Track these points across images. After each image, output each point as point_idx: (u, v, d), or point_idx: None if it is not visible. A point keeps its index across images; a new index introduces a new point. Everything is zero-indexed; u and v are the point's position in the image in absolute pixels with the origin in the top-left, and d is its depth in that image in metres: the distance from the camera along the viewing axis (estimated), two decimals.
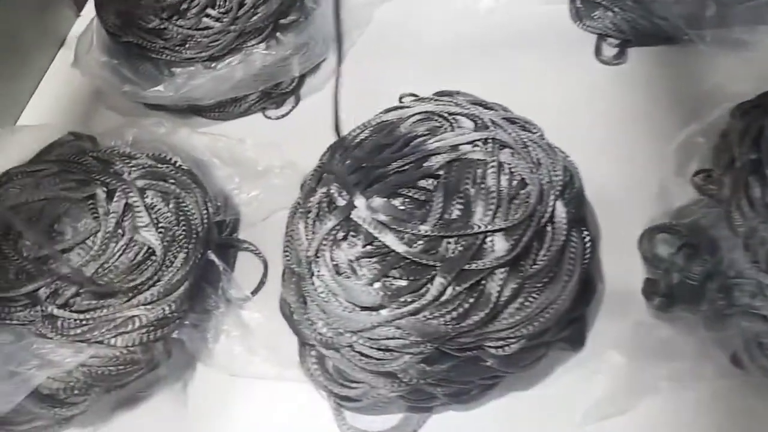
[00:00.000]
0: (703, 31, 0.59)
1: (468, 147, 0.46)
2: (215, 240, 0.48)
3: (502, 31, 0.65)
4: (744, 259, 0.41)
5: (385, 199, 0.44)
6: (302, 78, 0.61)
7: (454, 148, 0.46)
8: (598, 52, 0.62)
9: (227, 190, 0.52)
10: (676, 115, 0.57)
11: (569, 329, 0.45)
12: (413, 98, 0.58)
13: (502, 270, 0.41)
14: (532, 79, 0.61)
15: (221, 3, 0.57)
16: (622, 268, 0.49)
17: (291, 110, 0.60)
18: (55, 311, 0.43)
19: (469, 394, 0.44)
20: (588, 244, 0.45)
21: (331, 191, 0.44)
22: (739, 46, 0.59)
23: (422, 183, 0.45)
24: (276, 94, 0.60)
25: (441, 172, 0.45)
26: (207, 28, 0.56)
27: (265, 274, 0.50)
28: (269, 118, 0.60)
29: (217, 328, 0.45)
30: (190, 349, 0.44)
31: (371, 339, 0.40)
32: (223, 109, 0.60)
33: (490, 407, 0.44)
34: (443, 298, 0.40)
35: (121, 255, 0.44)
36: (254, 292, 0.48)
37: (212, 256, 0.47)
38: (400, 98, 0.58)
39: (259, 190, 0.52)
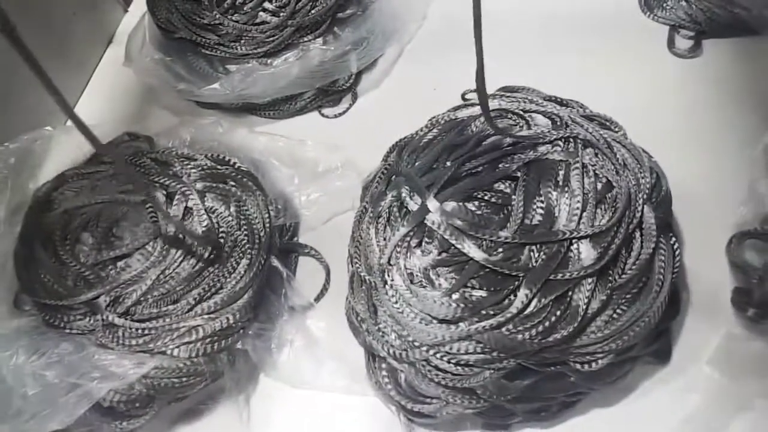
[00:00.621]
0: None
1: (548, 147, 0.43)
2: (277, 245, 0.46)
3: (567, 22, 0.62)
4: None
5: (460, 203, 0.41)
6: (359, 75, 0.59)
7: (533, 147, 0.43)
8: (671, 44, 0.59)
9: (287, 193, 0.50)
10: (759, 113, 0.53)
11: (656, 343, 0.42)
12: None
13: (590, 280, 0.38)
14: (602, 74, 0.57)
15: None
16: (707, 276, 0.46)
17: (348, 108, 0.58)
18: (116, 320, 0.41)
19: (550, 411, 0.41)
20: (677, 252, 0.42)
21: (402, 194, 0.41)
22: None
23: (499, 186, 0.42)
24: (332, 91, 0.58)
25: (519, 174, 0.42)
26: (263, 23, 0.54)
27: (327, 280, 0.47)
28: (326, 116, 0.58)
29: (280, 338, 0.43)
30: (254, 359, 0.42)
31: (449, 353, 0.37)
32: (278, 107, 0.58)
33: (571, 425, 0.41)
34: (528, 311, 0.37)
35: (182, 261, 0.42)
36: (317, 299, 0.46)
37: (275, 262, 0.45)
38: (463, 95, 0.56)
39: (320, 193, 0.50)
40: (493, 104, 0.47)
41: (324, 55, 0.55)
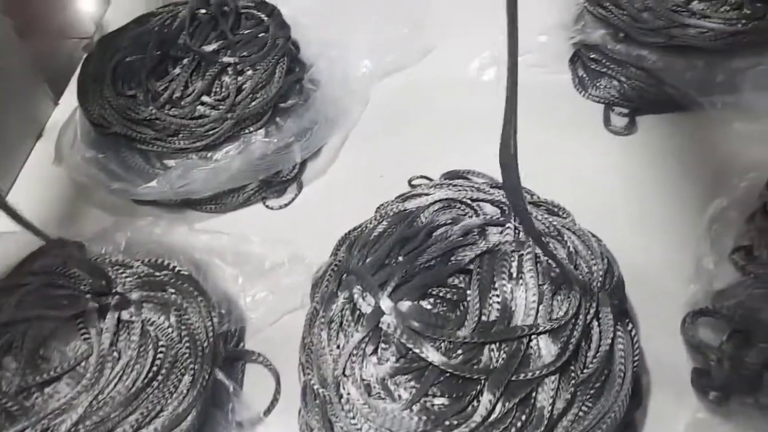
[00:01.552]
0: (713, 97, 0.58)
1: (499, 237, 0.43)
2: (221, 354, 0.43)
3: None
4: None
5: (416, 302, 0.40)
6: (304, 163, 0.58)
7: (484, 238, 0.43)
8: (607, 122, 0.61)
9: (231, 294, 0.47)
10: (698, 187, 0.54)
11: None
12: (425, 181, 0.55)
13: (553, 378, 0.37)
14: (541, 154, 0.58)
15: (217, 90, 0.53)
16: (667, 359, 0.45)
17: (294, 199, 0.56)
18: None
19: None
20: (636, 339, 0.41)
21: (355, 296, 0.40)
22: (751, 111, 0.58)
23: (453, 280, 0.41)
24: (277, 182, 0.56)
25: (472, 267, 0.41)
26: (202, 116, 0.53)
27: (278, 390, 0.44)
28: (271, 208, 0.56)
29: None
30: None
31: None
32: (221, 200, 0.55)
33: None
34: (492, 418, 0.36)
35: (117, 383, 0.39)
36: (267, 412, 0.43)
37: (220, 375, 0.42)
38: (410, 181, 0.56)
39: (267, 292, 0.48)
40: (439, 193, 0.47)
41: (266, 146, 0.54)
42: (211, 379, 0.41)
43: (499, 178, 0.52)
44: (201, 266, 0.48)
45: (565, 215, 0.45)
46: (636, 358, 0.40)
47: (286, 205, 0.56)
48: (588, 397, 0.37)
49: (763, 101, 0.57)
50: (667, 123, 0.60)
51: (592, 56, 0.62)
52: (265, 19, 0.58)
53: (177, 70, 0.54)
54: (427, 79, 0.64)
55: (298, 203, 0.56)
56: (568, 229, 0.44)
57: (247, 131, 0.54)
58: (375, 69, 0.63)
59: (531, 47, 0.65)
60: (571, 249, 0.42)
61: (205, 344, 0.42)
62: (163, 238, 0.49)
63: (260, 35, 0.56)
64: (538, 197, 0.47)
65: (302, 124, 0.55)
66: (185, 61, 0.54)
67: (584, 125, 0.61)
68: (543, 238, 0.42)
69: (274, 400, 0.44)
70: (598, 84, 0.62)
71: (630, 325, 0.42)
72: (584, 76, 0.63)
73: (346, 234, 0.46)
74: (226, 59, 0.53)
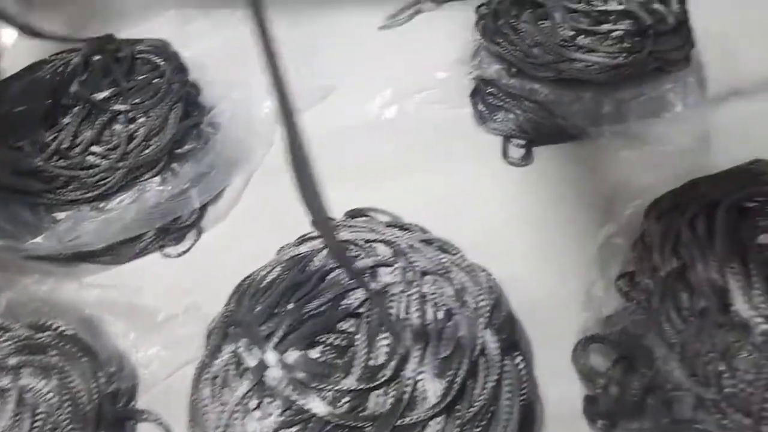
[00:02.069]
0: (601, 127, 0.61)
1: (389, 277, 0.43)
2: (109, 416, 0.42)
3: (408, 139, 0.64)
4: (681, 372, 0.39)
5: (303, 352, 0.39)
6: (204, 208, 0.57)
7: (375, 280, 0.43)
8: (505, 154, 0.62)
9: (122, 351, 0.46)
10: (590, 214, 0.56)
11: None
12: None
13: (438, 419, 0.37)
14: (443, 189, 0.59)
15: (108, 138, 0.52)
16: (561, 388, 0.46)
17: (192, 245, 0.55)
18: None
19: None
20: (524, 372, 0.42)
21: (239, 349, 0.39)
22: (637, 139, 0.60)
23: (343, 325, 0.41)
24: (175, 229, 0.55)
25: (362, 310, 0.41)
26: (93, 166, 0.51)
27: None
28: (169, 256, 0.55)
29: None
30: None
31: None
32: (116, 251, 0.54)
33: None
34: None
35: None
36: None
37: None
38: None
39: (160, 346, 0.46)
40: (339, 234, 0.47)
41: (162, 194, 0.53)
42: None
43: (402, 215, 0.54)
44: (91, 323, 0.46)
45: (454, 252, 0.46)
46: (524, 391, 0.41)
47: (184, 252, 0.55)
48: None
49: (647, 129, 0.61)
50: (561, 153, 0.62)
51: (489, 91, 0.64)
52: (161, 63, 0.57)
53: (67, 120, 0.53)
54: (330, 119, 0.65)
55: (197, 250, 0.55)
56: (456, 265, 0.44)
57: (141, 179, 0.53)
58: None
59: (431, 84, 0.66)
60: (458, 286, 0.42)
61: (89, 407, 0.40)
62: (51, 295, 0.47)
63: (155, 81, 0.55)
64: (431, 235, 0.48)
65: (200, 169, 0.54)
66: (75, 109, 0.53)
67: (484, 158, 0.62)
68: (431, 276, 0.43)
69: None
70: (496, 117, 0.64)
71: (519, 359, 0.42)
72: (483, 110, 0.65)
73: (241, 282, 0.46)
74: (117, 107, 0.52)
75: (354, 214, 0.55)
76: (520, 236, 0.56)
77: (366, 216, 0.55)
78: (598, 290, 0.48)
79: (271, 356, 0.38)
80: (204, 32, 0.72)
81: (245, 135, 0.60)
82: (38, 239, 0.49)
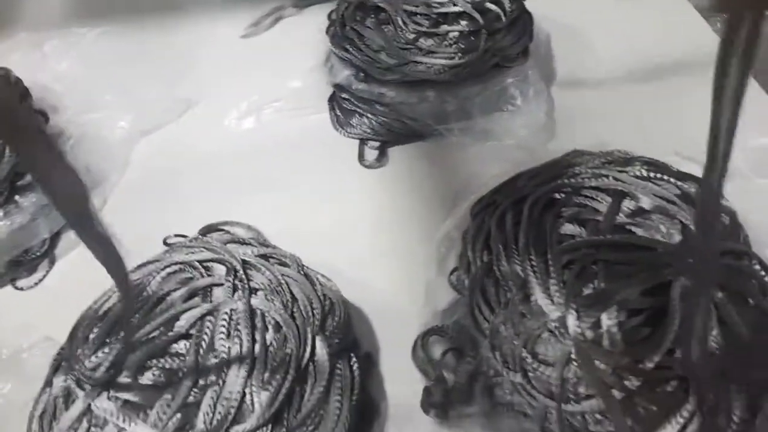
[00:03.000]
0: (449, 125, 0.63)
1: (221, 297, 0.44)
2: None
3: (267, 148, 0.65)
4: (495, 359, 0.42)
5: (132, 378, 0.40)
6: (55, 237, 0.56)
7: (206, 299, 0.44)
8: (360, 157, 0.64)
9: None
10: (438, 210, 0.59)
11: None
12: (180, 238, 0.56)
13: (265, 429, 0.39)
14: (302, 196, 0.61)
15: None
16: (404, 380, 0.48)
17: (45, 275, 0.55)
18: None
19: None
20: (357, 372, 0.44)
21: (67, 381, 0.40)
22: (483, 133, 0.64)
23: (176, 348, 0.42)
24: (27, 260, 0.55)
25: (194, 332, 0.42)
26: None
27: None
28: (20, 289, 0.54)
29: None
30: None
31: None
32: None
33: None
34: None
35: None
36: None
37: None
38: (165, 241, 0.56)
39: (7, 382, 0.46)
40: (174, 257, 0.48)
41: (6, 228, 0.52)
42: None
43: (258, 225, 0.55)
44: None
45: (290, 263, 0.48)
46: (356, 392, 0.43)
47: (37, 283, 0.55)
48: None
49: (492, 124, 0.64)
50: (413, 152, 0.64)
51: (343, 96, 0.66)
52: None
53: None
54: (188, 135, 0.65)
55: (50, 280, 0.55)
56: (289, 277, 0.46)
57: None
58: (132, 130, 0.63)
59: (289, 91, 0.67)
60: (287, 299, 0.44)
61: None
62: None
63: None
64: (270, 249, 0.49)
65: (44, 200, 0.54)
66: None
67: (342, 162, 0.64)
68: (261, 292, 0.44)
69: None
70: (351, 121, 0.66)
71: (353, 360, 0.45)
72: (339, 114, 0.67)
73: (81, 316, 0.46)
74: None
75: (207, 230, 0.56)
76: (374, 237, 0.58)
77: (221, 230, 0.56)
78: (435, 285, 0.51)
79: (95, 388, 0.39)
80: (57, 54, 0.70)
81: (96, 159, 0.60)
82: None
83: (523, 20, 0.65)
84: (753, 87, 0.68)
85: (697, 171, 0.55)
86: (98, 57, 0.70)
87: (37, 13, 0.81)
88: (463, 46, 0.60)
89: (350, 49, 0.63)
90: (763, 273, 0.42)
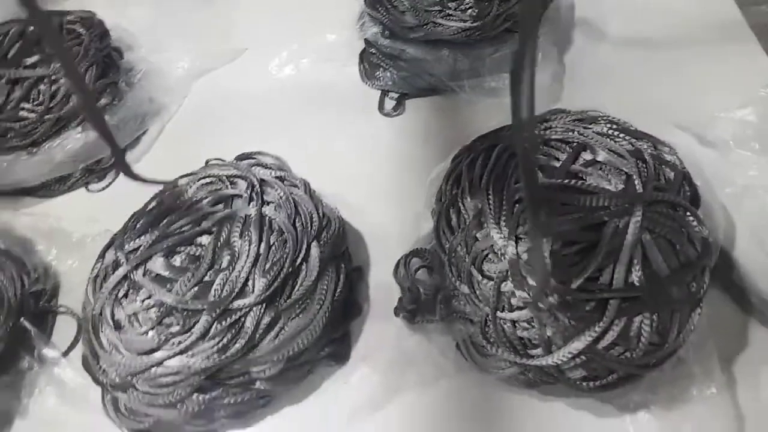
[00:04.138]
0: (462, 82, 0.71)
1: (240, 205, 0.55)
2: (30, 308, 0.55)
3: (303, 94, 0.75)
4: (452, 274, 0.51)
5: (165, 258, 0.52)
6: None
7: (228, 206, 0.55)
8: (381, 106, 0.73)
9: (47, 263, 0.59)
10: (440, 156, 0.67)
11: (332, 347, 0.54)
12: (218, 160, 0.67)
13: (259, 306, 0.49)
14: (326, 136, 0.71)
15: (35, 96, 0.64)
16: (386, 291, 0.58)
17: (111, 182, 0.68)
18: None
19: (247, 414, 0.52)
20: (342, 276, 0.54)
21: (117, 255, 0.52)
22: (492, 91, 0.71)
23: (200, 240, 0.53)
24: (98, 169, 0.68)
25: (215, 229, 0.53)
26: (24, 119, 0.64)
27: (78, 334, 0.57)
28: (91, 191, 0.68)
29: (31, 386, 0.52)
30: (2, 407, 0.51)
31: (149, 378, 0.48)
32: (50, 187, 0.67)
33: (268, 421, 0.52)
34: (208, 336, 0.48)
35: None
36: (66, 353, 0.55)
37: (25, 323, 0.54)
38: (207, 162, 0.67)
39: (74, 259, 0.60)
40: (209, 171, 0.59)
41: (82, 140, 0.65)
42: (18, 327, 0.53)
43: (285, 156, 0.65)
44: (22, 242, 0.59)
45: (299, 185, 0.58)
46: (339, 291, 0.53)
47: (105, 188, 0.68)
48: (289, 320, 0.50)
49: (500, 82, 0.70)
50: (428, 104, 0.72)
51: (371, 51, 0.74)
52: (83, 32, 0.68)
53: (2, 82, 0.65)
54: (237, 77, 0.76)
55: (115, 186, 0.68)
56: (296, 195, 0.56)
57: (66, 129, 0.65)
58: (191, 70, 0.75)
59: (321, 46, 0.76)
60: (291, 211, 0.54)
61: (12, 300, 0.54)
62: None
63: (74, 48, 0.67)
64: (287, 173, 0.59)
65: (114, 121, 0.66)
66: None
67: (364, 110, 0.73)
68: (273, 204, 0.55)
69: (75, 341, 0.56)
70: (376, 74, 0.74)
71: (342, 266, 0.55)
72: (367, 68, 0.75)
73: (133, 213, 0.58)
74: (40, 71, 0.64)
75: (242, 157, 0.66)
76: (380, 174, 0.67)
77: (252, 158, 0.66)
78: (421, 215, 0.60)
79: (135, 259, 0.50)
80: (135, 1, 0.83)
81: (160, 92, 0.72)
82: None
83: None
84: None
85: (690, 141, 0.61)
86: (168, 5, 0.81)
87: None
88: (475, 13, 0.67)
89: (380, 8, 0.71)
90: (695, 224, 0.48)
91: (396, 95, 0.73)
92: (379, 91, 0.75)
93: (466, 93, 0.71)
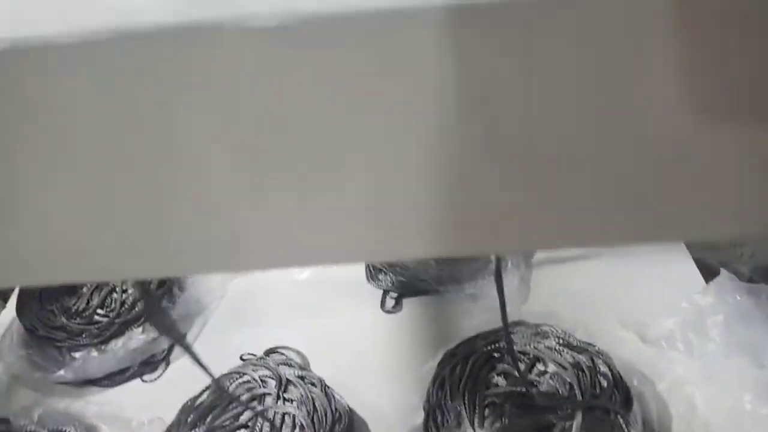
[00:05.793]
0: (446, 286, 0.88)
1: (270, 402, 0.70)
2: None
3: (316, 294, 0.92)
4: None
5: None
6: (171, 348, 0.85)
7: (261, 404, 0.70)
8: (382, 304, 0.90)
9: None
10: (431, 349, 0.83)
11: None
12: (251, 356, 0.82)
13: None
14: (334, 331, 0.87)
15: (108, 303, 0.81)
16: None
17: (162, 373, 0.83)
18: None
19: None
20: None
21: None
22: (470, 295, 0.87)
23: None
24: (152, 362, 0.83)
25: (249, 423, 0.68)
26: (97, 322, 0.80)
27: None
28: (145, 381, 0.82)
29: None
30: None
31: None
32: (112, 378, 0.82)
33: None
34: None
35: None
36: None
37: None
38: (241, 357, 0.83)
39: None
40: (245, 370, 0.74)
41: (141, 340, 0.81)
42: None
43: (302, 347, 0.80)
44: (90, 428, 0.73)
45: (315, 384, 0.72)
46: None
47: (156, 378, 0.82)
48: None
49: (477, 288, 0.88)
50: (422, 303, 0.89)
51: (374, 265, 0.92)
52: None
53: (84, 290, 0.82)
54: (266, 278, 0.94)
55: (166, 377, 0.83)
56: (314, 393, 0.71)
57: (129, 330, 0.81)
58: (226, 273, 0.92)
59: None
60: (311, 408, 0.69)
61: None
62: (68, 408, 0.74)
63: None
64: (308, 372, 0.74)
65: (174, 316, 0.83)
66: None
67: (367, 307, 0.89)
68: (295, 402, 0.69)
69: None
70: (379, 276, 0.92)
71: None
72: (372, 270, 0.93)
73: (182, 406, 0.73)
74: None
75: (270, 351, 0.82)
76: (382, 366, 0.82)
77: (278, 353, 0.82)
78: (417, 407, 0.74)
79: None
80: None
81: (202, 292, 0.89)
82: (61, 371, 0.77)
83: None
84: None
85: (633, 338, 0.77)
86: None
87: None
88: None
89: None
90: (624, 426, 0.62)
91: (395, 295, 0.90)
92: (380, 291, 0.92)
93: (450, 295, 0.88)
